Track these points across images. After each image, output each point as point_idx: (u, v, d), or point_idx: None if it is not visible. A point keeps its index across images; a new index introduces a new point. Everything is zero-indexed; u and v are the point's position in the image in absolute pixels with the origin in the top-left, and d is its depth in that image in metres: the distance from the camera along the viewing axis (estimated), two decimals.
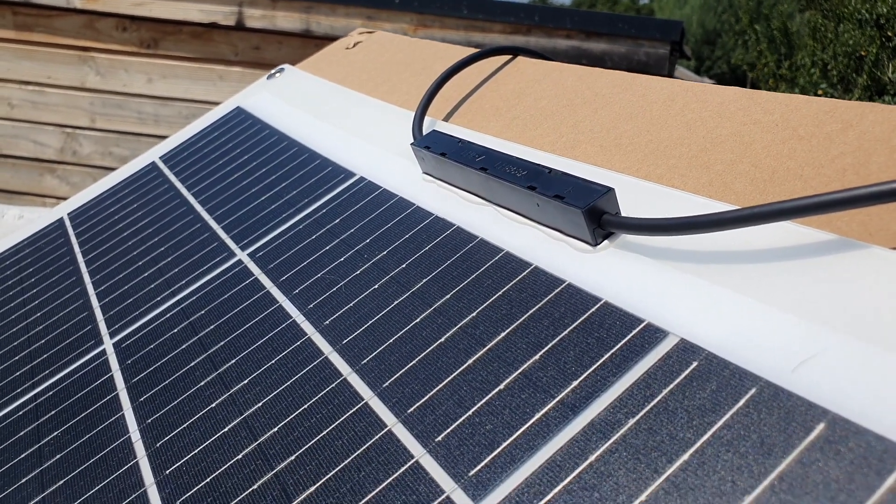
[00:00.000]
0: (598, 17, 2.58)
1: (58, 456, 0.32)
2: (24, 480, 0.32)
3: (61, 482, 0.30)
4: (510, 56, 0.48)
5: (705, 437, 0.19)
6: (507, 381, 0.24)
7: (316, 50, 0.70)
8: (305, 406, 0.27)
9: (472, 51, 0.49)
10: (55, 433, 0.34)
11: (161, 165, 0.59)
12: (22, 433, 0.35)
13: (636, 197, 0.29)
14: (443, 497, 0.21)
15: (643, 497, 0.18)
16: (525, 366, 0.24)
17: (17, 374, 0.40)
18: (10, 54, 2.60)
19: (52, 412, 0.36)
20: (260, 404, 0.29)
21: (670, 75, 2.51)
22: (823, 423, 0.17)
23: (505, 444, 0.21)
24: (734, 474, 0.18)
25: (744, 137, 0.30)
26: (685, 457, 0.19)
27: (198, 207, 0.49)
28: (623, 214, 0.27)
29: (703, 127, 0.32)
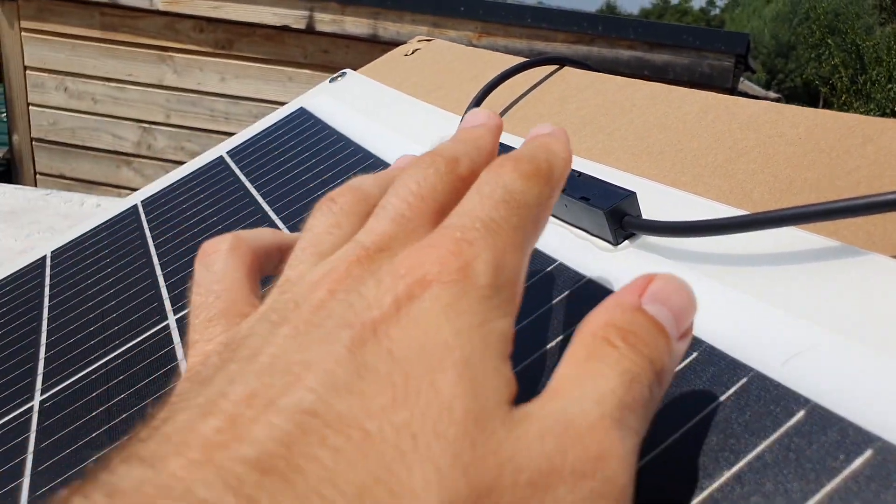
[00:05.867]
0: (661, 27, 2.57)
1: (124, 415, 0.36)
2: (94, 434, 0.35)
3: (126, 438, 0.34)
4: (557, 66, 0.50)
5: (696, 420, 0.21)
6: (524, 364, 0.26)
7: (382, 54, 0.74)
8: None
9: (522, 60, 0.51)
10: (122, 396, 0.38)
11: (228, 160, 0.63)
12: (94, 394, 0.39)
13: (660, 202, 0.31)
14: None
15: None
16: (540, 351, 0.26)
17: (92, 342, 0.45)
18: (97, 52, 2.75)
19: (121, 377, 0.39)
20: None
21: (734, 88, 2.47)
22: (804, 410, 0.19)
23: None
24: (718, 452, 0.19)
25: (767, 149, 0.31)
26: (676, 436, 0.20)
27: (259, 199, 0.53)
28: (644, 217, 0.29)
29: (731, 138, 0.33)
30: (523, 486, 0.14)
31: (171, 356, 0.39)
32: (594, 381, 0.16)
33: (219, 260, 0.22)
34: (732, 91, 2.41)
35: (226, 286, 0.21)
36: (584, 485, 0.14)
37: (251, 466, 0.13)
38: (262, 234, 0.24)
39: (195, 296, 0.21)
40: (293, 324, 0.16)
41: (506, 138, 0.43)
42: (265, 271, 0.23)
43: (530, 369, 0.25)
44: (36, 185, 2.90)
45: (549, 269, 0.30)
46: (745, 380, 0.21)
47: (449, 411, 0.14)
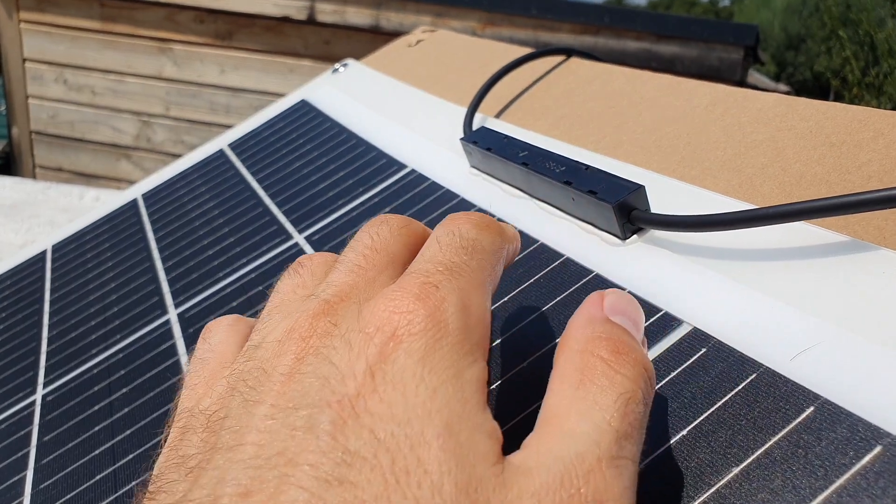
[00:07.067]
0: (669, 19, 2.55)
1: (126, 409, 0.36)
2: (97, 429, 0.35)
3: (128, 432, 0.34)
4: (563, 57, 0.49)
5: (705, 415, 0.20)
6: (530, 360, 0.25)
7: (384, 46, 0.73)
8: None
9: (528, 51, 0.51)
10: (124, 390, 0.37)
11: (228, 152, 0.63)
12: (96, 389, 0.39)
13: (669, 196, 0.31)
14: None
15: (643, 464, 0.20)
16: (546, 347, 0.26)
17: (93, 337, 0.44)
18: (96, 44, 2.74)
19: (123, 372, 0.39)
20: None
21: (743, 81, 2.46)
22: (813, 406, 0.19)
23: (521, 417, 0.23)
24: (726, 448, 0.19)
25: (777, 143, 0.31)
26: (684, 432, 0.20)
27: (260, 192, 0.52)
28: (653, 211, 0.29)
29: (741, 132, 0.33)
30: None
31: (173, 351, 0.39)
32: (589, 412, 0.16)
33: (217, 333, 0.22)
34: (741, 83, 2.41)
35: (216, 353, 0.21)
36: None
37: None
38: None
39: (189, 366, 0.22)
40: (269, 401, 0.16)
41: (512, 131, 0.43)
42: None
43: (538, 365, 0.25)
44: (35, 178, 2.90)
45: (556, 263, 0.30)
46: (753, 376, 0.21)
47: (440, 491, 0.14)
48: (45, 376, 0.43)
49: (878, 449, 0.17)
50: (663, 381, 0.22)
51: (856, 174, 0.27)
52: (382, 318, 0.17)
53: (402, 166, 0.45)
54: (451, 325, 0.17)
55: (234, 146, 0.64)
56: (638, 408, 0.17)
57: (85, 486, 0.32)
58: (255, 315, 0.38)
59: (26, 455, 0.36)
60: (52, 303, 0.52)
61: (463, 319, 0.17)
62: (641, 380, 0.17)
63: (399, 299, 0.17)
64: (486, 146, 0.37)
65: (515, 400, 0.24)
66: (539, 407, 0.23)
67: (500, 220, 0.34)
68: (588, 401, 0.16)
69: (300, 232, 0.44)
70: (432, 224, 0.37)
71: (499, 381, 0.25)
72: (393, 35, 2.42)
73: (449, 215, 0.22)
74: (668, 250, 0.27)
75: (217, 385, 0.19)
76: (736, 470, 0.18)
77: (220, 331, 0.22)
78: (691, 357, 0.22)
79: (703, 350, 0.22)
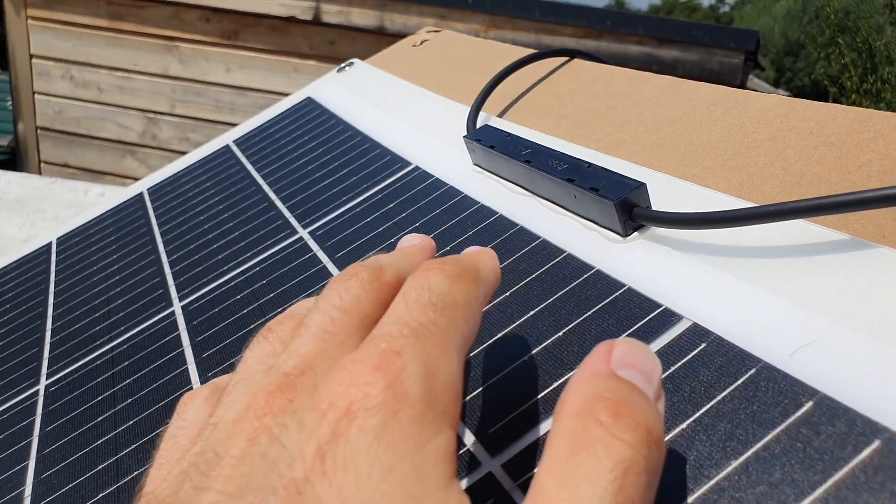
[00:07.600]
0: (670, 23, 2.56)
1: (129, 400, 0.36)
2: (99, 419, 0.36)
3: (131, 422, 0.34)
4: (567, 58, 0.49)
5: (704, 409, 0.21)
6: (531, 353, 0.26)
7: (388, 47, 0.74)
8: None
9: (532, 51, 0.51)
10: (127, 381, 0.38)
11: (234, 148, 0.63)
12: (99, 379, 0.39)
13: (670, 194, 0.31)
14: (464, 449, 0.23)
15: None
16: (548, 341, 0.26)
17: (97, 328, 0.45)
18: (103, 42, 2.74)
19: (126, 363, 0.39)
20: None
21: (742, 85, 2.46)
22: (812, 401, 0.19)
23: (522, 408, 0.24)
24: (726, 442, 0.19)
25: (778, 143, 0.31)
26: (683, 425, 0.20)
27: (266, 188, 0.53)
28: (654, 209, 0.29)
29: (742, 132, 0.33)
30: None
31: (177, 342, 0.39)
32: (580, 487, 0.14)
33: (192, 408, 0.21)
34: (741, 88, 2.41)
35: (188, 432, 0.20)
36: None
37: None
38: None
39: (161, 443, 0.20)
40: (216, 488, 0.15)
41: (515, 129, 0.43)
42: None
43: (538, 362, 0.25)
44: (41, 174, 2.91)
45: (557, 259, 0.30)
46: (753, 371, 0.21)
47: None
48: (49, 367, 0.43)
49: (876, 444, 0.17)
50: (663, 376, 0.22)
51: (856, 174, 0.27)
52: (337, 393, 0.16)
53: (406, 163, 0.45)
54: (413, 396, 0.15)
55: (240, 142, 0.64)
56: (639, 478, 0.15)
57: (86, 476, 0.33)
58: (259, 307, 0.38)
59: (28, 445, 0.37)
60: (56, 294, 0.52)
61: (426, 387, 0.16)
62: (644, 445, 0.15)
63: (357, 371, 0.16)
64: (490, 144, 0.38)
65: (512, 398, 0.24)
66: (535, 402, 0.24)
67: (500, 216, 0.34)
68: (580, 473, 0.15)
69: (305, 227, 0.44)
70: (434, 223, 0.37)
71: (496, 378, 0.26)
72: (397, 36, 2.43)
73: (422, 264, 0.20)
74: (669, 247, 0.27)
75: (175, 468, 0.18)
76: (735, 463, 0.19)
77: (195, 405, 0.21)
78: (691, 352, 0.23)
79: (703, 345, 0.22)
